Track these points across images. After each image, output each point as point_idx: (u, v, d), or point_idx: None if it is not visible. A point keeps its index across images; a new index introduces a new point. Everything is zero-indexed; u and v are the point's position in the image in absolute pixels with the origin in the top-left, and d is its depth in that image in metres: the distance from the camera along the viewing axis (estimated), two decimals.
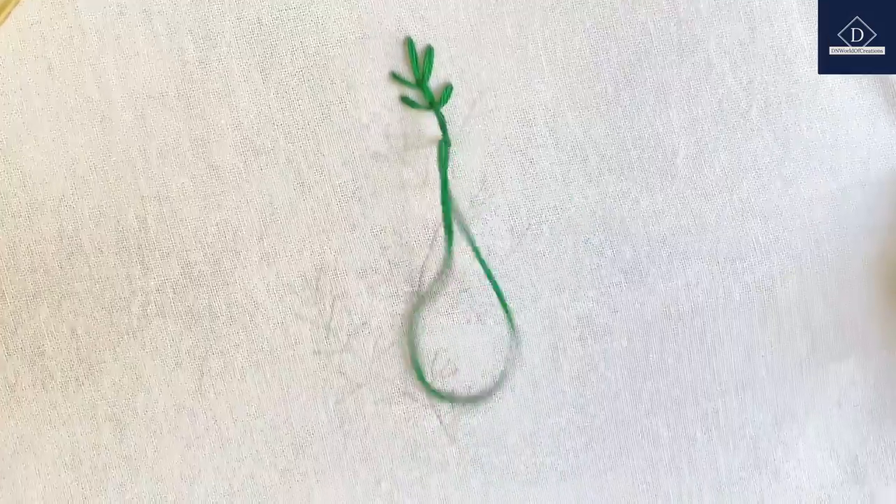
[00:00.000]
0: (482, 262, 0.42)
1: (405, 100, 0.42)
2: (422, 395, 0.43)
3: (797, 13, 0.43)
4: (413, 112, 0.42)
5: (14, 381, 0.40)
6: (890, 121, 0.44)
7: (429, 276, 0.42)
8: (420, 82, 0.42)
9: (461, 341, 0.43)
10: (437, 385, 0.43)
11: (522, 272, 0.43)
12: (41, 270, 0.40)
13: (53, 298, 0.40)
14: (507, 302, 0.42)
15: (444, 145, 0.41)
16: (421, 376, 0.42)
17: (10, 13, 0.39)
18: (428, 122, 0.42)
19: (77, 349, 0.40)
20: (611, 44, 0.42)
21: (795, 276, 0.44)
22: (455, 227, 0.42)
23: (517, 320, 0.43)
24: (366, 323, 0.42)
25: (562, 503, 0.43)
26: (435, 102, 0.42)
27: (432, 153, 0.42)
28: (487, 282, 0.42)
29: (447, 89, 0.42)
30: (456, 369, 0.43)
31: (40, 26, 0.39)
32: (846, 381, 0.45)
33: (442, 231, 0.42)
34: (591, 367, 0.43)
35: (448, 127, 0.42)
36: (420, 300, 0.42)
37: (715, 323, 0.44)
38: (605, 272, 0.43)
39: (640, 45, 0.43)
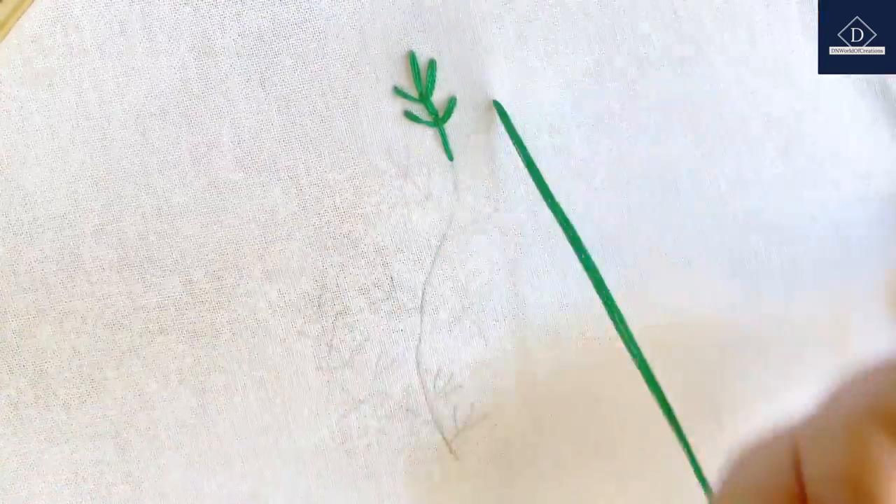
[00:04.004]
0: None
1: (408, 115, 0.41)
2: (424, 411, 0.43)
3: (797, 24, 0.43)
4: (416, 127, 0.42)
5: (17, 400, 0.40)
6: (892, 133, 0.44)
7: (431, 292, 0.42)
8: (423, 97, 0.41)
9: (464, 357, 0.43)
10: (440, 401, 0.43)
11: (527, 288, 0.43)
12: (43, 289, 0.40)
13: (55, 316, 0.40)
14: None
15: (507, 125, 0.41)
16: None
17: (10, 29, 0.39)
18: (431, 137, 0.42)
19: (79, 367, 0.40)
20: (614, 56, 0.42)
21: (798, 289, 0.44)
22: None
23: (523, 333, 0.43)
24: (368, 339, 0.42)
25: None
26: (438, 118, 0.41)
27: (435, 168, 0.42)
28: (490, 301, 0.42)
29: (450, 103, 0.42)
30: (458, 385, 0.43)
31: (41, 42, 0.39)
32: None
33: (444, 246, 0.42)
34: (595, 380, 0.43)
35: (451, 141, 0.42)
36: (423, 316, 0.42)
37: (721, 337, 0.44)
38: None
39: (644, 57, 0.42)
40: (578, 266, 0.43)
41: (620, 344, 0.43)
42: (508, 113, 0.42)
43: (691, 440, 0.39)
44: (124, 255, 0.40)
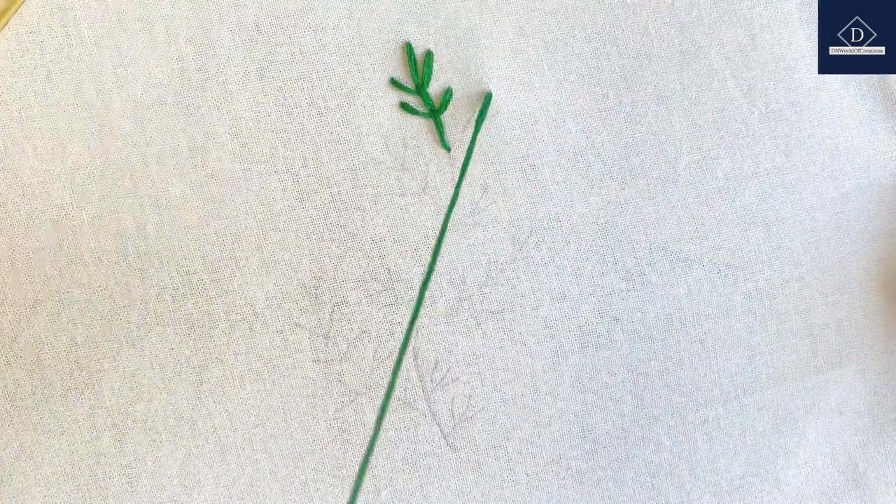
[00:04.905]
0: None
1: (405, 106, 0.41)
2: (421, 404, 0.43)
3: (797, 20, 0.43)
4: (413, 118, 0.42)
5: (13, 391, 0.40)
6: (890, 127, 0.44)
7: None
8: (420, 88, 0.41)
9: (461, 349, 0.43)
10: (437, 393, 0.43)
11: (524, 280, 0.43)
12: (40, 279, 0.40)
13: (53, 307, 0.40)
14: None
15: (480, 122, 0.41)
16: None
17: (8, 21, 0.39)
18: (428, 128, 0.42)
19: (76, 358, 0.40)
20: (612, 49, 0.42)
21: (796, 282, 0.44)
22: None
23: (519, 329, 0.43)
24: (365, 331, 0.42)
25: None
26: (435, 109, 0.42)
27: (432, 160, 0.42)
28: (487, 289, 0.42)
29: (447, 94, 0.42)
30: (456, 377, 0.43)
31: (39, 34, 0.39)
32: (846, 387, 0.45)
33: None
34: (592, 374, 0.43)
35: (447, 133, 0.42)
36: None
37: (716, 329, 0.44)
38: (607, 280, 0.43)
39: (642, 50, 0.42)
40: (575, 258, 0.43)
41: (620, 335, 0.43)
42: (504, 103, 0.42)
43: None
44: (122, 245, 0.40)
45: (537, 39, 0.42)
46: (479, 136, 0.42)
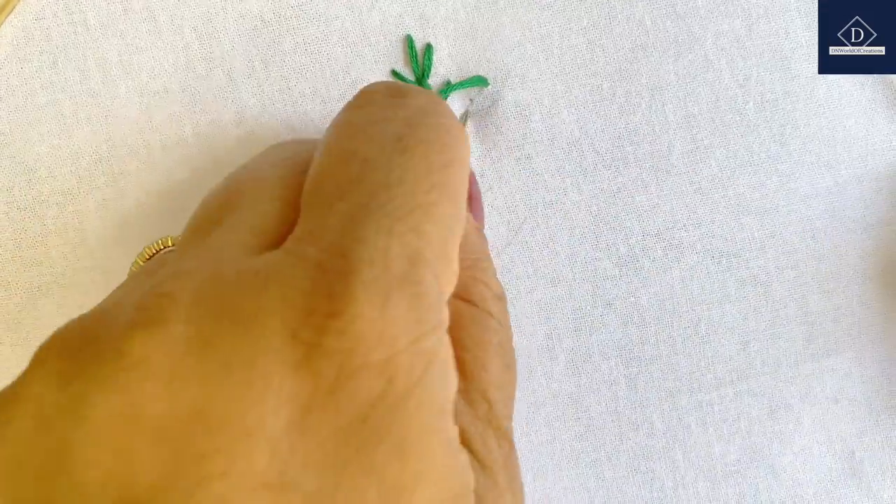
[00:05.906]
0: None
1: None
2: None
3: (795, 10, 0.43)
4: None
5: (18, 373, 0.41)
6: (888, 117, 0.44)
7: None
8: (420, 80, 0.42)
9: None
10: None
11: (518, 265, 0.43)
12: (46, 264, 0.41)
13: (58, 290, 0.41)
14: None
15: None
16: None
17: (14, 8, 0.39)
18: None
19: None
20: (607, 41, 0.43)
21: (791, 270, 0.44)
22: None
23: (511, 310, 0.43)
24: None
25: (558, 493, 0.44)
26: None
27: None
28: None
29: (446, 86, 0.42)
30: None
31: (45, 22, 0.40)
32: (842, 374, 0.45)
33: None
34: (585, 357, 0.43)
35: None
36: None
37: (710, 315, 0.44)
38: (600, 265, 0.43)
39: (637, 41, 0.43)
40: (569, 244, 0.43)
41: (614, 319, 0.43)
42: (500, 95, 0.42)
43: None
44: (128, 231, 0.41)
45: (534, 33, 0.43)
46: (476, 132, 0.42)
